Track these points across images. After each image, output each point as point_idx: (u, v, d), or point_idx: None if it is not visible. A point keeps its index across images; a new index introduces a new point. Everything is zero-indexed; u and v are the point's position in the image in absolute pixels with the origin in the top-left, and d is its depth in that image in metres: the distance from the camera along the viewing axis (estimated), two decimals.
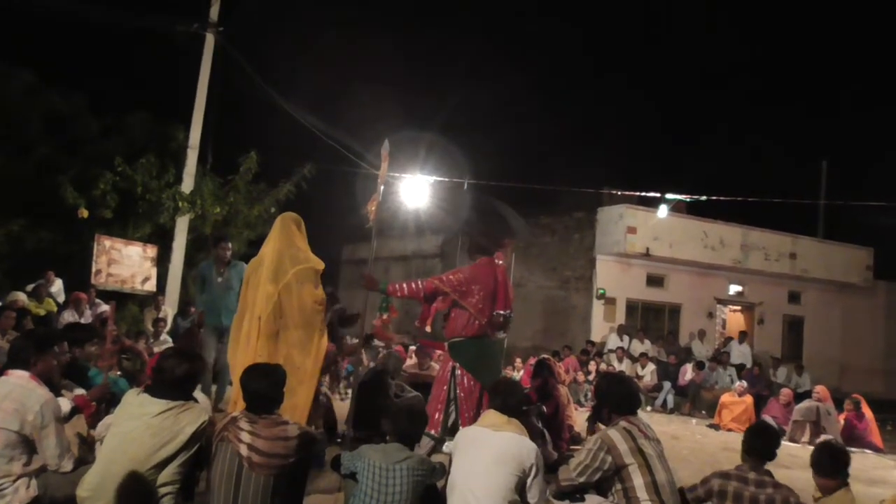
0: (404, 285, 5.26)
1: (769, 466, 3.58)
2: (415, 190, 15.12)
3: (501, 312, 5.17)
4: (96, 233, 8.95)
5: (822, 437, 9.18)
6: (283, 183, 14.24)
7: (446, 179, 15.16)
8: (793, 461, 7.12)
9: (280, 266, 4.79)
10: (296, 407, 4.61)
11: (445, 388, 5.12)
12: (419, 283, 5.24)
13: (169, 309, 11.37)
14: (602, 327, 15.73)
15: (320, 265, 4.97)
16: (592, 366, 12.69)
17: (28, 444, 3.47)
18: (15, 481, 3.41)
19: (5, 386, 3.50)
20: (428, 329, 5.37)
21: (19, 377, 3.57)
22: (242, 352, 4.64)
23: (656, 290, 16.65)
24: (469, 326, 5.08)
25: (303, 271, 4.82)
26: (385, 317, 5.43)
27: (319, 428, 5.33)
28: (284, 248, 4.88)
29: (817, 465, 3.69)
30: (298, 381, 4.65)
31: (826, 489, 3.65)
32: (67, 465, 3.57)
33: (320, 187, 14.98)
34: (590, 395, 11.23)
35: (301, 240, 5.03)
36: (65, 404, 4.05)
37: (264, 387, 3.37)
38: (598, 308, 15.97)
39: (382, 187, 5.72)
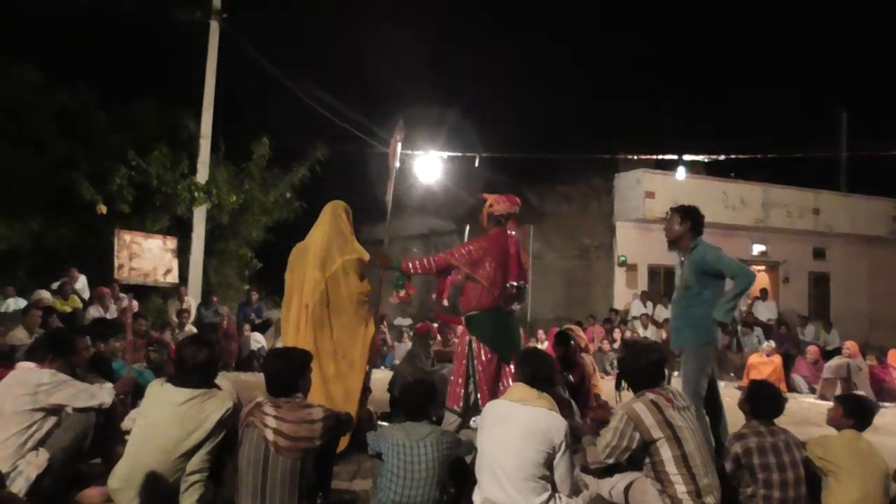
0: (417, 262, 5.23)
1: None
2: (429, 166, 15.03)
3: (514, 283, 5.10)
4: (115, 227, 9.02)
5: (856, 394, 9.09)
6: (297, 167, 14.27)
7: (459, 154, 15.04)
8: (824, 419, 7.01)
9: (328, 255, 4.79)
10: (349, 390, 4.64)
11: (464, 362, 5.10)
12: (432, 258, 5.21)
13: (192, 300, 11.48)
14: (625, 294, 15.63)
15: (366, 256, 4.96)
16: (617, 334, 12.63)
17: (38, 421, 3.55)
18: (25, 455, 3.51)
19: (13, 378, 3.63)
20: (445, 303, 5.35)
21: (27, 367, 3.70)
22: (292, 339, 4.67)
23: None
24: (483, 298, 5.04)
25: (350, 262, 4.81)
26: (402, 294, 5.36)
27: (369, 413, 5.32)
28: (333, 237, 4.88)
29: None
30: (349, 366, 4.69)
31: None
32: (106, 398, 3.73)
33: (334, 169, 14.97)
34: (616, 362, 11.18)
35: (349, 229, 5.02)
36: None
37: (280, 370, 3.37)
38: (619, 275, 15.85)
39: (397, 167, 5.65)
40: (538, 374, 3.52)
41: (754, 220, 16.33)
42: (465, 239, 14.76)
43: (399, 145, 5.66)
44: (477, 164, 14.55)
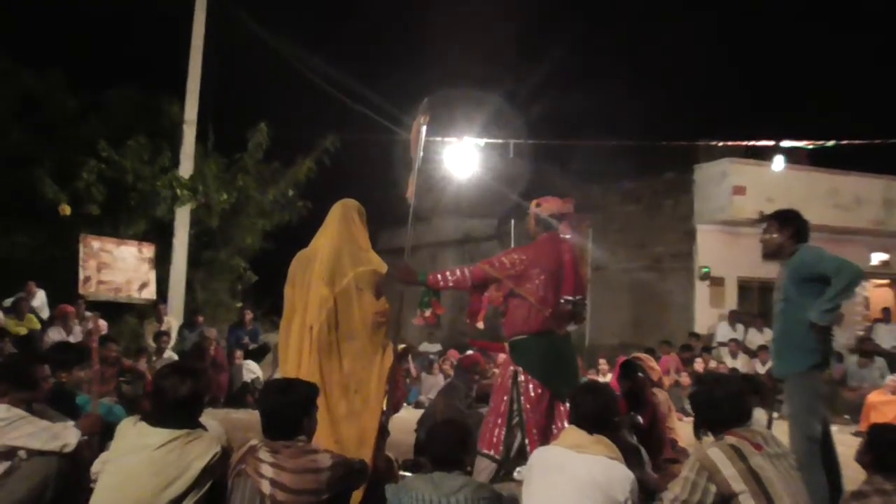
0: (448, 274, 5.23)
1: None
2: (464, 157, 15.01)
3: (570, 298, 5.07)
4: (82, 233, 9.17)
5: None
6: (302, 160, 14.36)
7: (500, 142, 15.01)
8: None
9: (338, 265, 4.78)
10: (363, 432, 4.64)
11: (506, 398, 5.07)
12: (465, 269, 5.21)
13: (173, 320, 11.62)
14: (708, 315, 15.45)
15: (382, 268, 4.95)
16: (699, 364, 12.46)
17: None
18: None
19: None
20: (480, 325, 5.33)
21: None
22: (293, 369, 4.65)
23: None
24: (531, 319, 5.02)
25: (364, 275, 4.81)
26: (428, 314, 5.35)
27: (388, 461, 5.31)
28: (344, 244, 4.88)
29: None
30: (363, 403, 4.68)
31: None
32: (71, 440, 3.81)
33: (346, 161, 15.04)
34: None
35: (363, 235, 5.04)
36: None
37: (279, 406, 3.39)
38: (701, 291, 15.68)
39: (419, 160, 5.60)
40: (595, 414, 3.52)
41: (873, 223, 16.05)
42: (513, 245, 14.73)
43: (423, 130, 5.61)
44: (511, 156, 14.50)
